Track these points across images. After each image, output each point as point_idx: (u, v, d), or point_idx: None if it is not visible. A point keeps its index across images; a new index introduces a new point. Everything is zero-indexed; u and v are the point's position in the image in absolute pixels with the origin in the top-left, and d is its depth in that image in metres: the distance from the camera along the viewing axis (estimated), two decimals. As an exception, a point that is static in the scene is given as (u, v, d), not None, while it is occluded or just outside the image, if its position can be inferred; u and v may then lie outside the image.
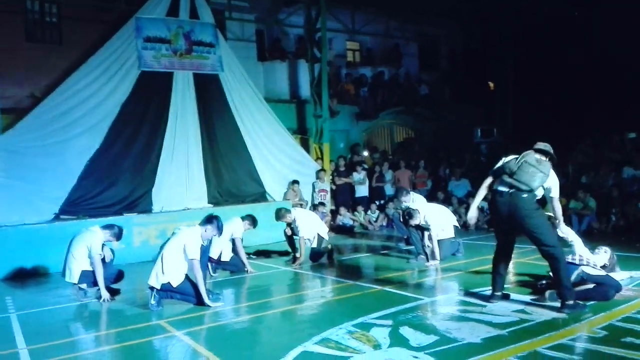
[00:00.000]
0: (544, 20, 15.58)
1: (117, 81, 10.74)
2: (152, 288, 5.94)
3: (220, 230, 6.27)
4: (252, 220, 8.06)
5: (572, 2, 15.18)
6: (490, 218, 5.71)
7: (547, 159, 5.18)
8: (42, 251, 8.71)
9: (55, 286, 7.69)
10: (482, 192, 5.48)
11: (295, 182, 11.99)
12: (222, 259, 7.78)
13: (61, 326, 5.81)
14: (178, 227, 6.38)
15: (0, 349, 4.89)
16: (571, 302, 4.99)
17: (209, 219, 6.18)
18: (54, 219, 9.51)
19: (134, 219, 9.70)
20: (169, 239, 6.14)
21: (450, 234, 8.20)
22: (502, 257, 5.49)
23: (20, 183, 9.43)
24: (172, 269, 5.87)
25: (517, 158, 5.18)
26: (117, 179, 10.36)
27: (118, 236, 6.74)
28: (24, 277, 8.52)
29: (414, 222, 8.01)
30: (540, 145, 5.23)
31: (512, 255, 5.61)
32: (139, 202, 10.40)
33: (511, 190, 5.09)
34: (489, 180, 5.42)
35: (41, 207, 9.48)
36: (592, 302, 5.22)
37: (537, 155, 5.17)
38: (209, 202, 11.11)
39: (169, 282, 5.87)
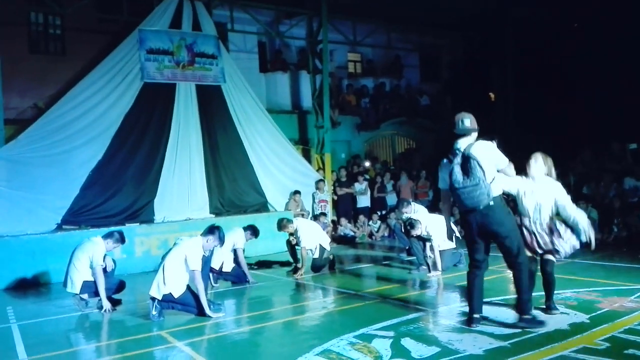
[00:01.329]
0: (544, 29, 15.64)
1: (120, 92, 10.82)
2: (153, 299, 5.94)
3: (222, 240, 6.28)
4: (254, 231, 8.08)
5: (572, 13, 15.25)
6: (464, 233, 5.30)
7: (473, 145, 4.79)
8: (44, 261, 8.74)
9: (56, 296, 7.70)
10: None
11: (297, 192, 12.02)
12: (224, 270, 7.79)
13: (62, 336, 5.81)
14: (180, 237, 6.39)
15: (1, 359, 4.89)
16: (529, 316, 4.84)
17: (211, 230, 6.19)
18: (56, 229, 9.53)
19: (136, 229, 9.72)
20: (170, 249, 6.16)
21: (452, 244, 8.20)
22: (477, 276, 5.07)
23: (23, 193, 9.47)
24: (173, 280, 5.88)
25: (449, 175, 4.81)
26: (119, 189, 10.40)
27: (121, 241, 6.75)
28: (26, 287, 8.53)
29: (415, 232, 8.01)
30: (460, 126, 4.88)
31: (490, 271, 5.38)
32: (141, 212, 10.43)
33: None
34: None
35: (43, 217, 9.51)
36: (553, 318, 5.09)
37: (462, 147, 4.79)
38: (210, 213, 11.13)
39: (170, 293, 5.87)
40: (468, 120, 4.97)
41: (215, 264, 7.50)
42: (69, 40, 11.83)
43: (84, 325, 6.17)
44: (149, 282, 6.08)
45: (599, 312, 5.33)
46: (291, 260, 8.82)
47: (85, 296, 6.60)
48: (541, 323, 4.89)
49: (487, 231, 4.84)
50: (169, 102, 11.27)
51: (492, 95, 18.72)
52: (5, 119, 10.00)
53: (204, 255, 6.09)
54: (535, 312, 5.14)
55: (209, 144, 11.53)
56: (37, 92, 11.12)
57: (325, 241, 8.65)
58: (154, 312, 5.90)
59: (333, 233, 11.92)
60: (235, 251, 7.82)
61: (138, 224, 9.97)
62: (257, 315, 6.14)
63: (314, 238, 8.42)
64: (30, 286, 8.55)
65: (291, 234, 8.54)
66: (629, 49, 13.35)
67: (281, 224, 8.52)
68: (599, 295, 5.96)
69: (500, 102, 17.94)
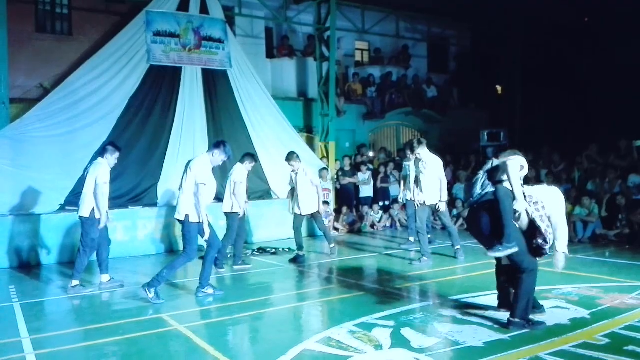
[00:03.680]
0: (553, 24, 15.50)
1: (126, 74, 10.77)
2: (144, 286, 5.98)
3: (228, 154, 6.31)
4: (252, 157, 8.14)
5: (582, 8, 15.10)
6: None
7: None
8: (47, 241, 8.79)
9: (59, 277, 7.75)
10: None
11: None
12: (234, 210, 7.91)
13: (64, 317, 5.86)
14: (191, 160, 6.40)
15: (3, 337, 4.93)
16: (517, 320, 4.72)
17: (217, 144, 6.30)
18: (60, 209, 9.54)
19: (139, 212, 9.73)
20: (185, 173, 6.25)
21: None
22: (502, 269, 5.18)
23: (27, 172, 9.46)
24: (190, 202, 6.01)
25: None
26: (123, 172, 10.35)
27: (116, 149, 6.83)
28: (28, 266, 8.57)
29: (420, 150, 8.08)
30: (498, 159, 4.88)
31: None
32: (145, 196, 10.41)
33: None
34: None
35: (47, 197, 9.50)
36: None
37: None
38: (214, 198, 11.11)
39: (187, 215, 5.99)
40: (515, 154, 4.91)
41: (226, 208, 7.83)
42: (75, 21, 11.76)
43: (86, 306, 6.20)
44: (151, 265, 6.13)
45: (599, 308, 5.33)
46: (295, 245, 8.81)
47: (75, 283, 6.64)
48: (535, 325, 4.74)
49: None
50: (174, 85, 11.22)
51: (499, 88, 18.62)
52: (11, 98, 9.97)
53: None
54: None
55: (214, 129, 11.49)
56: (43, 71, 11.09)
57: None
58: (150, 296, 5.91)
59: (335, 222, 11.93)
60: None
61: (141, 207, 9.98)
62: (258, 301, 6.16)
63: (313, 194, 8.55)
64: (33, 266, 8.59)
65: (293, 171, 8.57)
66: (639, 44, 13.23)
67: (292, 157, 8.52)
68: (600, 292, 5.96)
69: (507, 96, 17.84)
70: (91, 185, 6.65)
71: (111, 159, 6.77)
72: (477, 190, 4.82)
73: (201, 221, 5.98)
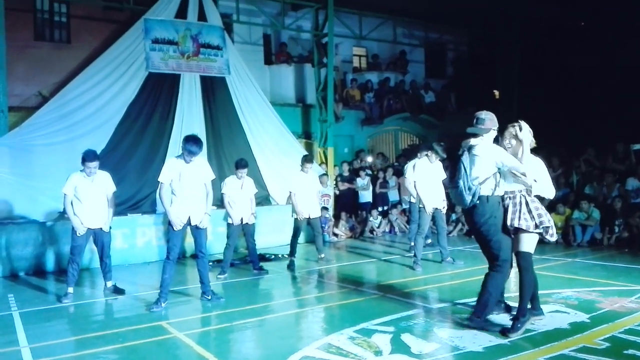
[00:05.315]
0: (550, 27, 15.57)
1: (125, 82, 10.79)
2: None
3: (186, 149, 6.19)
4: (235, 164, 8.14)
5: (579, 10, 15.17)
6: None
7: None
8: (46, 249, 8.77)
9: (58, 285, 7.73)
10: None
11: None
12: (244, 221, 8.04)
13: (63, 325, 5.84)
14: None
15: (2, 346, 4.92)
16: (478, 319, 4.82)
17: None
18: (59, 217, 9.53)
19: (138, 220, 9.73)
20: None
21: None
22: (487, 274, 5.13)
23: (26, 180, 9.47)
24: (204, 204, 6.42)
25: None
26: (122, 179, 10.33)
27: (83, 160, 6.76)
28: (28, 274, 8.54)
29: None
30: (473, 124, 4.99)
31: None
32: (143, 203, 10.42)
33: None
34: None
35: (46, 204, 9.49)
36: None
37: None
38: (212, 204, 11.10)
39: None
40: (482, 120, 5.03)
41: (235, 220, 7.92)
42: (74, 28, 11.80)
43: (85, 314, 6.19)
44: (150, 272, 6.13)
45: (599, 311, 5.33)
46: (289, 252, 8.78)
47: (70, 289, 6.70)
48: (493, 324, 4.85)
49: (473, 228, 4.94)
50: (173, 92, 11.24)
51: (496, 92, 18.67)
52: (9, 107, 9.97)
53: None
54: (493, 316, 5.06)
55: (213, 136, 11.51)
56: (42, 79, 11.10)
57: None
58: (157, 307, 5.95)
59: (334, 228, 11.93)
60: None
61: (140, 214, 9.98)
62: (258, 308, 6.16)
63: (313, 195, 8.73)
64: (32, 274, 8.57)
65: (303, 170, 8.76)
66: (636, 49, 13.28)
67: (308, 158, 8.83)
68: (599, 295, 5.96)
69: (504, 100, 17.88)
70: (104, 198, 6.98)
71: (91, 167, 6.76)
72: (467, 198, 4.70)
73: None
